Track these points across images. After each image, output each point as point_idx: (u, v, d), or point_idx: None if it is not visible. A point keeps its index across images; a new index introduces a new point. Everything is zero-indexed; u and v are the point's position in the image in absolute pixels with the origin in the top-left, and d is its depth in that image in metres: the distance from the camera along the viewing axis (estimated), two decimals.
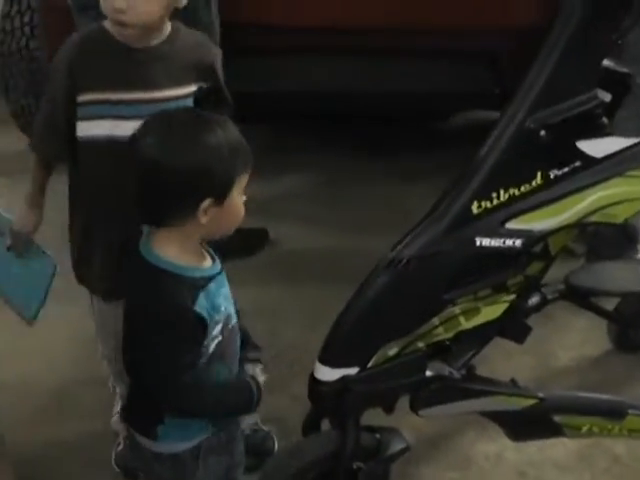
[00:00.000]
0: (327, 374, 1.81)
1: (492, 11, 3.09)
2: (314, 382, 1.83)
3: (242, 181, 1.55)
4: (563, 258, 2.88)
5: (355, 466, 1.94)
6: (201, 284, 1.54)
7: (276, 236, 3.37)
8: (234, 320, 1.64)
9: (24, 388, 2.56)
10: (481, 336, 1.93)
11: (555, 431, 2.00)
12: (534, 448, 2.30)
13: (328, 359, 1.82)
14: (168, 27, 1.85)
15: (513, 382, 1.99)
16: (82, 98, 1.83)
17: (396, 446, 1.98)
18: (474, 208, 1.73)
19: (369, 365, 1.80)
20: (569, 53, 1.68)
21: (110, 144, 1.81)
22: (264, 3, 3.14)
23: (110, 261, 1.87)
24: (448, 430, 2.42)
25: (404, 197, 3.57)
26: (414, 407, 1.89)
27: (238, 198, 1.56)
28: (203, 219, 1.52)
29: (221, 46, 2.79)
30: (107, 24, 1.82)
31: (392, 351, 1.80)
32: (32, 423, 2.44)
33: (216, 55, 1.94)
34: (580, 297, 2.42)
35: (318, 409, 1.91)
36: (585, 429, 1.99)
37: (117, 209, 1.82)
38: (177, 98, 1.82)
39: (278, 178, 3.83)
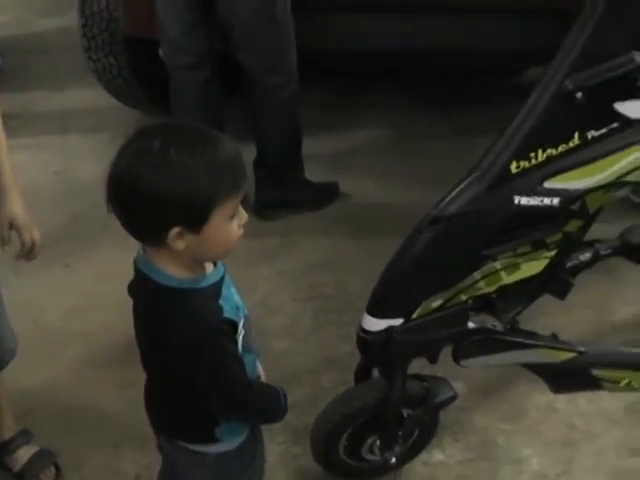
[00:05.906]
0: (374, 324, 1.86)
1: None
2: (362, 332, 1.88)
3: (229, 205, 1.39)
4: (628, 215, 2.88)
5: (404, 413, 2.01)
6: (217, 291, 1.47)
7: (346, 190, 3.38)
8: (246, 309, 1.56)
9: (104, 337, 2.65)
10: (526, 292, 1.95)
11: (594, 384, 2.03)
12: (584, 400, 2.34)
13: (375, 310, 1.87)
14: None
15: (554, 336, 2.03)
16: None
17: (444, 394, 2.05)
18: (513, 168, 1.75)
19: (413, 316, 1.84)
20: (607, 15, 1.68)
21: None
22: None
23: None
24: (501, 381, 2.45)
25: (475, 151, 3.50)
26: (456, 357, 1.93)
27: (225, 224, 1.40)
28: (177, 245, 1.39)
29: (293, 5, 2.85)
30: None
31: (435, 303, 1.84)
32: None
33: None
34: (634, 253, 2.42)
35: (366, 358, 1.97)
36: (624, 383, 2.01)
37: None
38: None
39: (347, 133, 3.80)
